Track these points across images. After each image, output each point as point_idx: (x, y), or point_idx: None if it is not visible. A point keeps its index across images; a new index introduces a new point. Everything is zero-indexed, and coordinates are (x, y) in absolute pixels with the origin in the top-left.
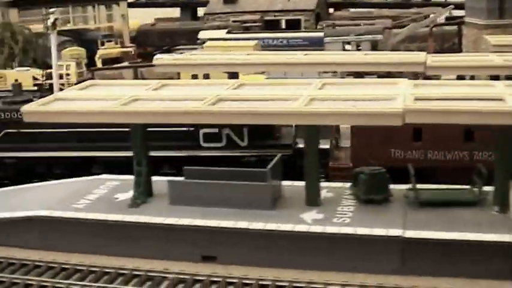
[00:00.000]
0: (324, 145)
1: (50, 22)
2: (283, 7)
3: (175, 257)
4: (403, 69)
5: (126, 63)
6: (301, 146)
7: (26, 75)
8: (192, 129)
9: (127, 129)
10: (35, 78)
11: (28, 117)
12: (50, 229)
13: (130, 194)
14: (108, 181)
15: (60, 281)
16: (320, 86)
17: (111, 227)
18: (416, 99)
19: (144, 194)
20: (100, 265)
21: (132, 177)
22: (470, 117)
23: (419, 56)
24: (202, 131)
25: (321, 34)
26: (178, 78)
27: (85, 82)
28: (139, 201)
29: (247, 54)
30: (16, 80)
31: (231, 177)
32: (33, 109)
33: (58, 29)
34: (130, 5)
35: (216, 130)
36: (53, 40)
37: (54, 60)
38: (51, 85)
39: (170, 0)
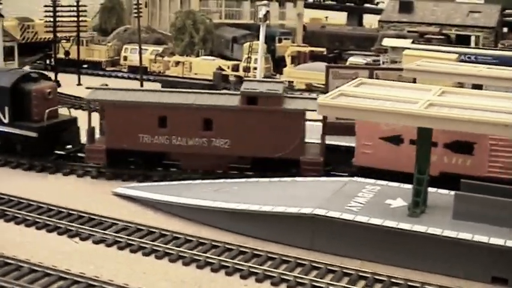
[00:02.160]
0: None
1: (261, 14)
2: (462, 22)
3: (461, 274)
4: None
5: (363, 64)
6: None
7: (211, 65)
8: None
9: None
10: (220, 69)
11: (322, 111)
12: (325, 229)
13: (400, 201)
14: (368, 185)
15: (347, 285)
16: None
17: (394, 235)
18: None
19: (423, 203)
20: (384, 273)
21: (390, 183)
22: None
23: None
24: None
25: None
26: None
27: (355, 80)
28: (419, 211)
29: (488, 68)
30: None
31: None
32: (329, 102)
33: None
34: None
35: None
36: (262, 33)
37: (260, 52)
38: (237, 77)
39: (339, 3)
